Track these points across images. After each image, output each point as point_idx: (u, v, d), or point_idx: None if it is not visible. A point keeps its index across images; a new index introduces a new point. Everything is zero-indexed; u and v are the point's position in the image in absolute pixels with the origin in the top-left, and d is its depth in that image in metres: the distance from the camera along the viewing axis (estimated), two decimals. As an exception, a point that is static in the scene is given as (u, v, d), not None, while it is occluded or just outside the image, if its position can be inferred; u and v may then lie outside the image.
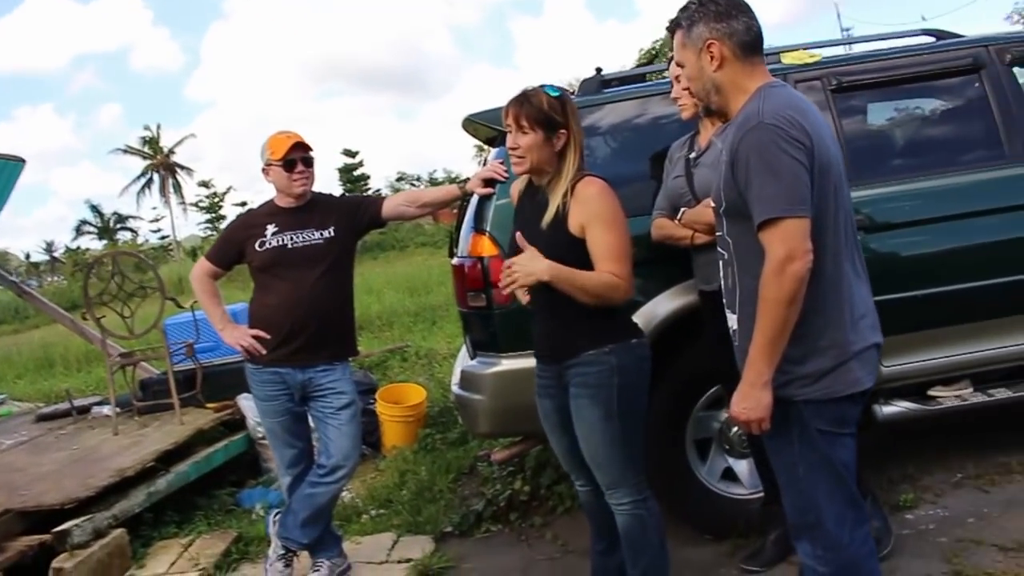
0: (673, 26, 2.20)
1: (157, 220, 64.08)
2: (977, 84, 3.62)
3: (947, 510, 3.48)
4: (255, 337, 3.48)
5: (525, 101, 2.55)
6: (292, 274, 3.46)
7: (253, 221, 3.56)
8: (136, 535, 4.35)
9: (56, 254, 68.61)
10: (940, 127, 3.88)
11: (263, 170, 3.50)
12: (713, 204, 2.24)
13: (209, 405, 5.60)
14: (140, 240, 64.00)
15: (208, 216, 47.46)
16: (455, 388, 3.70)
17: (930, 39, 3.88)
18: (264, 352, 3.48)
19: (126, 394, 5.93)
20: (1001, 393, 3.48)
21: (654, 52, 28.71)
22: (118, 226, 65.97)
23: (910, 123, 3.95)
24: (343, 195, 3.76)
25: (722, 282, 2.25)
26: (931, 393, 3.50)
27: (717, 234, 2.25)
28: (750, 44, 2.13)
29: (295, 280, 3.45)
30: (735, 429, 3.53)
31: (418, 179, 54.66)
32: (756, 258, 2.02)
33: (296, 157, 3.45)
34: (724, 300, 2.25)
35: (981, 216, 3.53)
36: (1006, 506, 3.42)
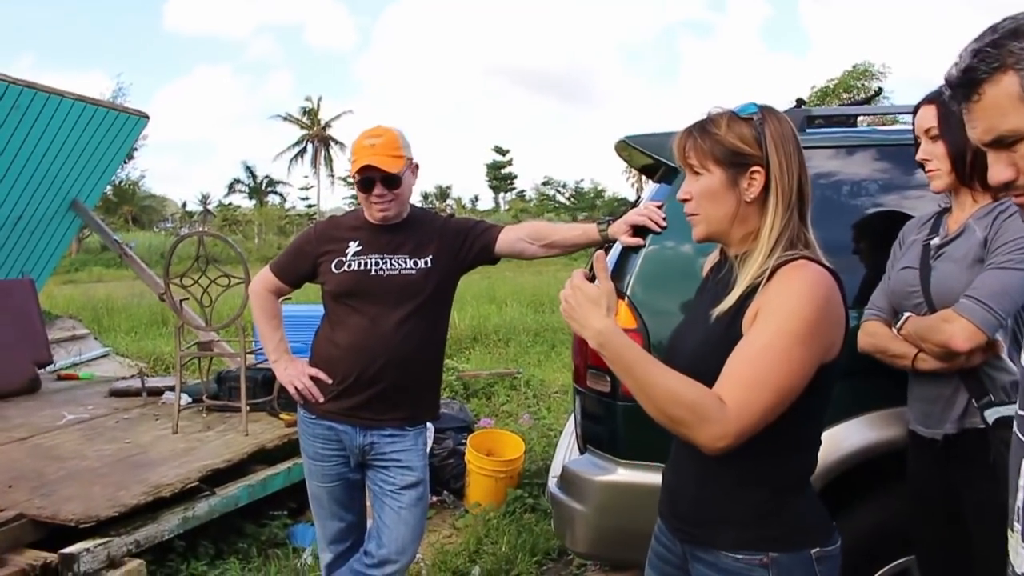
0: (990, 69, 1.22)
1: (306, 188, 66.70)
2: None
3: None
4: (314, 379, 2.76)
5: (698, 128, 1.65)
6: (372, 309, 2.71)
7: (335, 233, 2.82)
8: (161, 564, 3.75)
9: (210, 207, 72.16)
10: None
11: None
12: None
13: (284, 416, 4.97)
14: (288, 205, 66.58)
15: (355, 192, 48.77)
16: (552, 485, 2.88)
17: None
18: (321, 399, 2.75)
19: (199, 385, 5.40)
20: None
21: (828, 90, 27.03)
22: (268, 189, 68.97)
23: None
24: (450, 216, 2.98)
25: (1020, 495, 1.32)
26: None
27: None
28: None
29: (374, 317, 2.70)
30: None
31: (563, 185, 54.83)
32: None
33: (374, 177, 2.68)
34: (1020, 527, 1.32)
35: None
36: None
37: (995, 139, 1.21)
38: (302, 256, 2.85)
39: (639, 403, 1.50)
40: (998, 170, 1.23)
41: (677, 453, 1.75)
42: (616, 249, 2.76)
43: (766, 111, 1.64)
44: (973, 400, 2.10)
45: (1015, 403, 1.82)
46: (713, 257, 1.83)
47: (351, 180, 2.69)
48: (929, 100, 2.23)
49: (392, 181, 2.67)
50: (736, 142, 1.60)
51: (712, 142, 1.62)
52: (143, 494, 3.72)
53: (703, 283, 1.85)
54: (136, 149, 41.45)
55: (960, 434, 2.13)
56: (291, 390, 2.80)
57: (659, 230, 2.57)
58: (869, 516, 2.52)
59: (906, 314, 2.22)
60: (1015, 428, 1.29)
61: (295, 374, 2.79)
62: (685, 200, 1.69)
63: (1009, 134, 1.19)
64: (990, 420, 2.04)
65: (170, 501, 3.82)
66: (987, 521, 2.04)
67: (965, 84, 1.20)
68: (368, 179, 2.67)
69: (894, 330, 2.24)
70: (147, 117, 7.03)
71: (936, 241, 2.23)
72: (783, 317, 1.50)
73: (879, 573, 2.57)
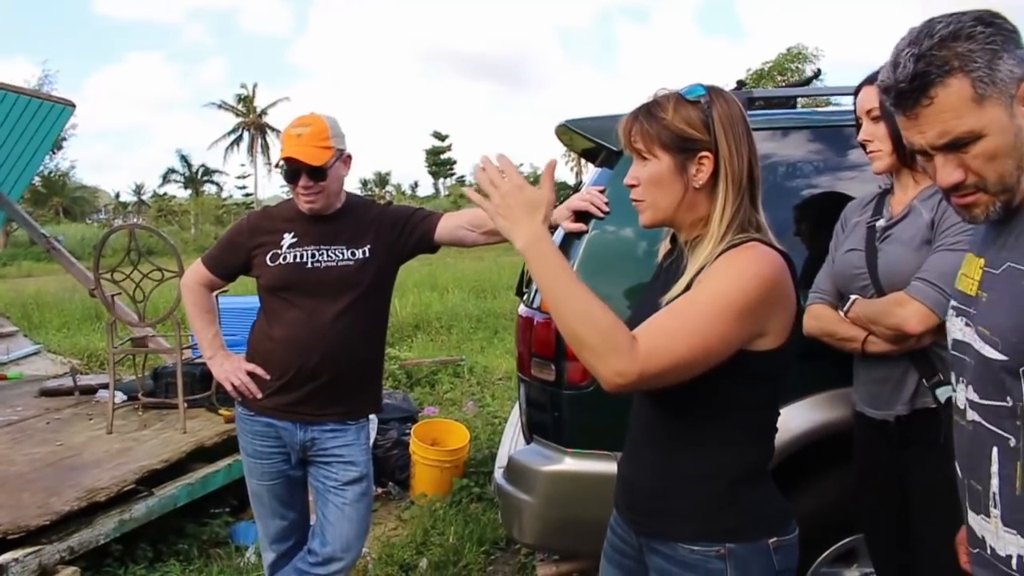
0: (942, 73, 1.17)
1: (243, 177, 65.78)
2: None
3: None
4: (251, 375, 2.67)
5: (644, 112, 1.59)
6: (309, 302, 2.63)
7: (268, 224, 2.73)
8: (97, 570, 3.62)
9: (144, 197, 70.60)
10: None
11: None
12: (1001, 356, 1.25)
13: (223, 412, 4.84)
14: (224, 195, 65.52)
15: (291, 181, 48.30)
16: (498, 476, 2.84)
17: None
18: (259, 395, 2.67)
19: (134, 382, 5.23)
20: None
21: (763, 73, 27.34)
22: (204, 178, 67.74)
23: None
24: (388, 204, 2.91)
25: (994, 481, 1.28)
26: None
27: (996, 403, 1.27)
28: None
29: (311, 310, 2.63)
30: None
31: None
32: None
33: (299, 168, 2.58)
34: (998, 511, 1.29)
35: None
36: None
37: (950, 142, 1.19)
38: (234, 249, 2.75)
39: (553, 317, 1.44)
40: (947, 172, 1.21)
41: (632, 444, 1.72)
42: (558, 235, 2.72)
43: (714, 92, 1.58)
44: (923, 380, 2.11)
45: None
46: (666, 244, 1.79)
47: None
48: (871, 81, 2.22)
49: (317, 173, 2.58)
50: (683, 126, 1.54)
51: (659, 126, 1.56)
52: (76, 500, 3.58)
53: (656, 270, 1.81)
54: (65, 139, 40.30)
55: (911, 415, 2.14)
56: (228, 387, 2.71)
57: (601, 215, 2.54)
58: (813, 498, 2.52)
59: (853, 297, 2.21)
60: (975, 415, 1.28)
61: (231, 370, 2.70)
62: (632, 186, 1.63)
63: (966, 135, 1.17)
64: (942, 399, 2.05)
65: (106, 504, 3.69)
66: (937, 499, 2.05)
67: (916, 90, 1.18)
68: (294, 170, 2.58)
69: (841, 313, 2.23)
70: (73, 105, 6.78)
71: (882, 223, 2.22)
72: (718, 285, 1.46)
73: (826, 553, 2.59)
